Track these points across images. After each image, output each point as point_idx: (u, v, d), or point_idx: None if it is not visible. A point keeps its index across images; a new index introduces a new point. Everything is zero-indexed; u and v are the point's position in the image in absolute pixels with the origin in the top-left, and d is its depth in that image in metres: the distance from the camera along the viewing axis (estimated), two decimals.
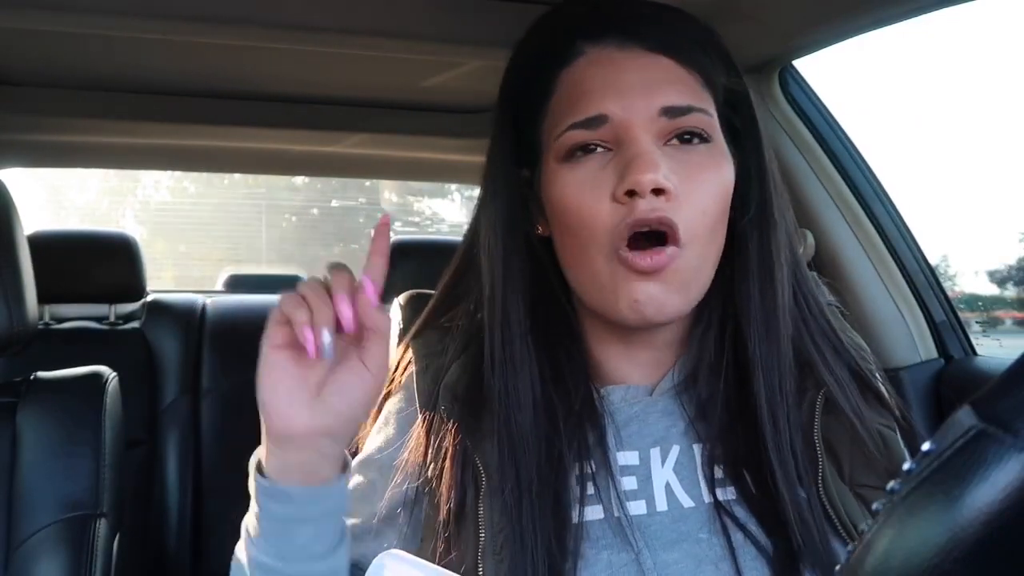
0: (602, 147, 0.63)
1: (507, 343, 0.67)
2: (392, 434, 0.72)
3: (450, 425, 0.67)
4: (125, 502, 1.05)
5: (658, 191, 0.60)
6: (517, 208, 0.69)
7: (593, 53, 0.65)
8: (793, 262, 0.69)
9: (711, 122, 0.64)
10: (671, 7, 0.67)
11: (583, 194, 0.63)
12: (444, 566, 0.63)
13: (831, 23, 1.04)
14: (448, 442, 0.67)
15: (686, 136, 0.63)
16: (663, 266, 0.61)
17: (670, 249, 0.61)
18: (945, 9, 0.94)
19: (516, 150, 0.70)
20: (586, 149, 0.63)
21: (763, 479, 0.64)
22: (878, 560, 0.31)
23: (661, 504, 0.65)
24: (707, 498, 0.66)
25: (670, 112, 0.62)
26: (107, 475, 1.00)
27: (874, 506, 0.32)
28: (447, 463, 0.66)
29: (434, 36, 1.22)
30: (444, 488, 0.66)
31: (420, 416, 0.70)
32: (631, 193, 0.60)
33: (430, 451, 0.68)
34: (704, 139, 0.63)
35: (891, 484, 0.32)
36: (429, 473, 0.67)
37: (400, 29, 1.20)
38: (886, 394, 0.71)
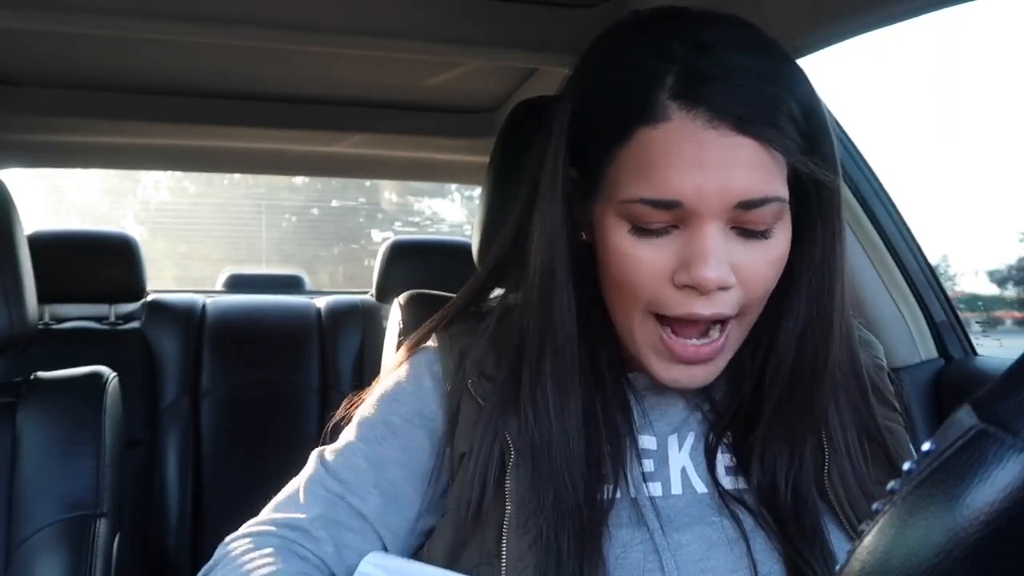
0: (668, 225, 0.60)
1: (548, 328, 0.66)
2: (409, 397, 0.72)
3: (478, 399, 0.68)
4: (125, 502, 1.05)
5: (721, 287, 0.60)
6: (565, 213, 0.67)
7: (680, 121, 0.58)
8: (843, 306, 0.67)
9: (781, 209, 0.61)
10: (767, 70, 0.59)
11: (642, 269, 0.61)
12: (465, 540, 0.64)
13: (832, 23, 1.04)
14: (477, 416, 0.68)
15: (754, 231, 0.61)
16: (709, 356, 0.63)
17: (719, 339, 0.62)
18: (946, 9, 0.94)
19: (569, 147, 0.66)
20: (653, 226, 0.61)
21: (770, 471, 0.66)
22: (879, 560, 0.31)
23: (676, 488, 0.67)
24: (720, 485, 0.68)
25: (745, 205, 0.59)
26: (107, 475, 1.00)
27: (874, 506, 0.32)
28: (476, 437, 0.67)
29: (434, 36, 1.22)
30: (473, 461, 0.66)
31: (448, 388, 0.71)
32: (692, 286, 0.60)
33: (459, 425, 0.69)
34: (768, 235, 0.61)
35: (891, 484, 0.32)
36: (457, 448, 0.68)
37: (400, 29, 1.20)
38: (891, 389, 0.73)
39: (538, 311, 0.67)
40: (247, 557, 0.64)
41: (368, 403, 0.74)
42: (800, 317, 0.66)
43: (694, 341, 0.62)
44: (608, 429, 0.67)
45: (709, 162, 0.57)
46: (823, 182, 0.62)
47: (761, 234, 0.61)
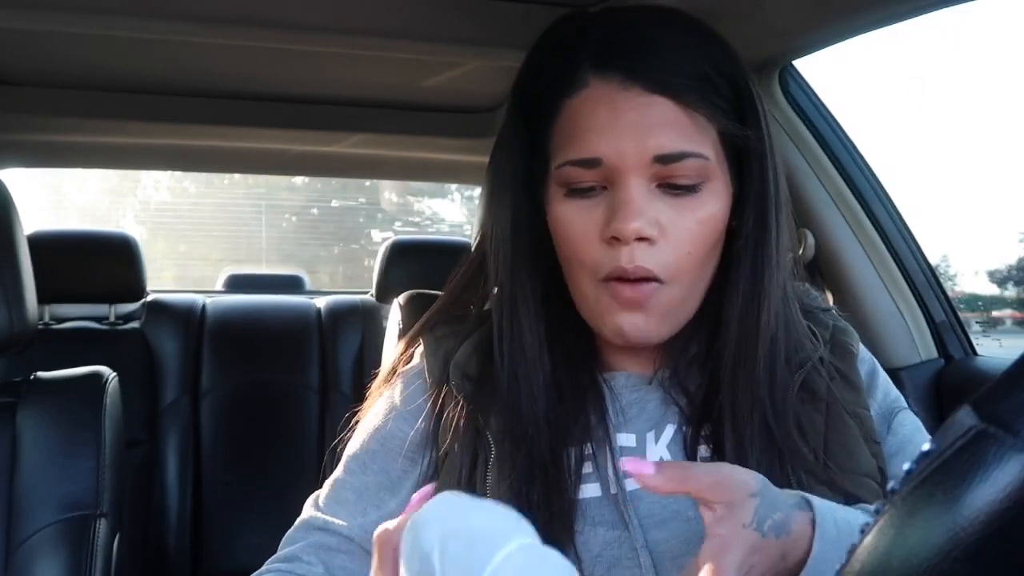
0: (597, 186, 0.65)
1: (515, 319, 0.70)
2: (399, 407, 0.75)
3: (461, 400, 0.70)
4: (125, 502, 1.05)
5: (641, 238, 0.63)
6: (522, 195, 0.71)
7: (596, 87, 0.65)
8: (782, 283, 0.70)
9: (704, 166, 0.64)
10: (679, 40, 0.66)
11: (575, 229, 0.66)
12: None
13: (831, 23, 1.04)
14: (459, 415, 0.70)
15: (677, 185, 0.64)
16: (646, 299, 0.64)
17: (652, 285, 0.64)
18: (945, 9, 0.94)
19: (528, 143, 0.71)
20: (581, 186, 0.65)
21: (743, 461, 0.66)
22: (878, 560, 0.31)
23: None
24: None
25: (663, 159, 0.62)
26: (107, 475, 1.00)
27: (874, 506, 0.32)
28: (459, 435, 0.69)
29: (434, 36, 1.22)
30: (456, 459, 0.69)
31: (431, 392, 0.73)
32: (615, 239, 0.63)
33: (442, 425, 0.71)
34: (694, 189, 0.64)
35: (891, 484, 0.32)
36: (441, 447, 0.71)
37: (400, 29, 1.20)
38: (859, 374, 0.74)
39: (505, 286, 0.71)
40: None
41: (354, 437, 0.77)
42: (740, 290, 0.68)
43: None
44: (585, 429, 0.68)
45: (624, 121, 0.63)
46: (751, 143, 0.66)
47: (687, 189, 0.64)
